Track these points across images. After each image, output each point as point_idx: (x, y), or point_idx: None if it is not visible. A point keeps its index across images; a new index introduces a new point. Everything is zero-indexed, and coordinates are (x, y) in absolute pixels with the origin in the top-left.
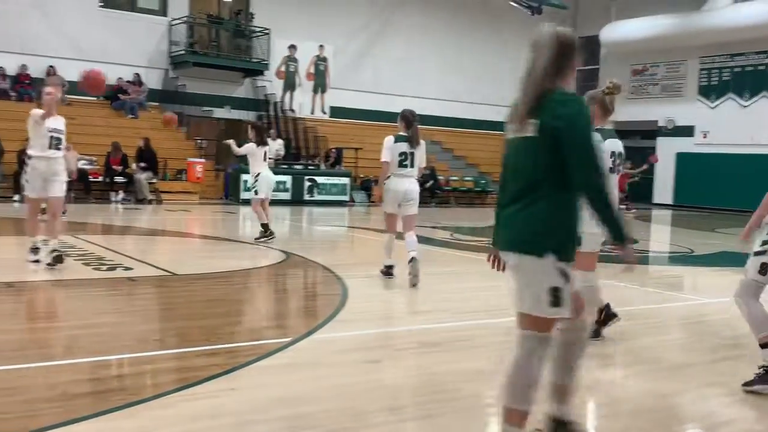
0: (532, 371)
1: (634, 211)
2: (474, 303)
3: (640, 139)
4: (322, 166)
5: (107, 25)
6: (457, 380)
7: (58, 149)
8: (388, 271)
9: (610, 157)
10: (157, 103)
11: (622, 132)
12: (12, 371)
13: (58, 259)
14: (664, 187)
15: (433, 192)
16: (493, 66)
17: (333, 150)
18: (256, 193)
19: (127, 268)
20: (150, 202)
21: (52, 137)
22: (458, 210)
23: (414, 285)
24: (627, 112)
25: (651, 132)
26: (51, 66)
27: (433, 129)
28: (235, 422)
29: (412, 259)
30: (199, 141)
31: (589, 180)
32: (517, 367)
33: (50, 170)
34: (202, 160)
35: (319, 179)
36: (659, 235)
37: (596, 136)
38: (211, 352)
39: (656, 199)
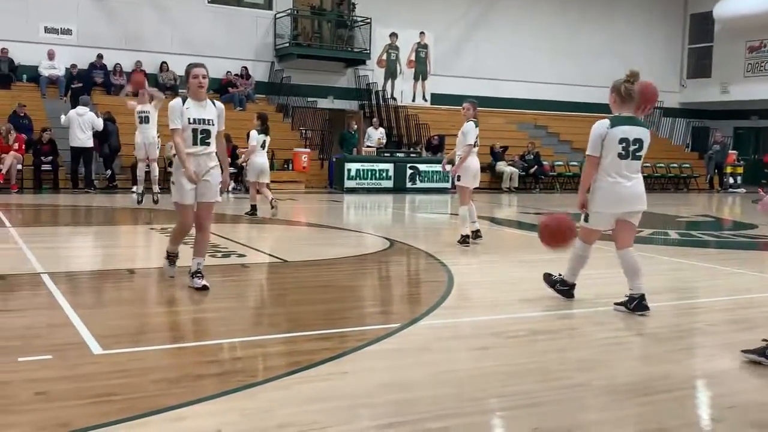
0: None
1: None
2: (581, 291)
3: (759, 119)
4: (424, 154)
5: (215, 20)
6: (566, 368)
7: (207, 144)
8: (465, 240)
9: (620, 143)
10: (263, 95)
11: (738, 111)
12: (139, 353)
13: (203, 288)
14: None
15: (537, 178)
16: (601, 48)
17: (435, 137)
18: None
19: (240, 255)
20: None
21: (195, 130)
22: (564, 196)
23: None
24: (743, 91)
25: None
26: (164, 62)
27: (537, 113)
28: (348, 405)
29: (479, 232)
30: (303, 131)
31: None
32: None
33: (200, 169)
34: (308, 150)
35: (421, 167)
36: None
37: (604, 123)
38: (322, 336)
39: None
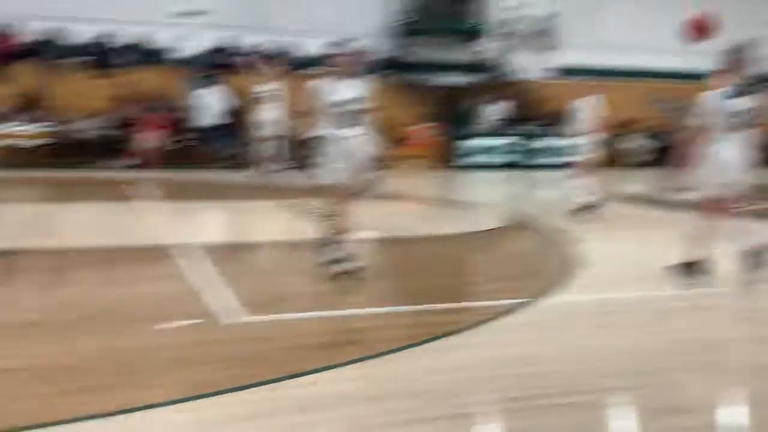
0: None
1: None
2: (714, 269)
3: None
4: (548, 129)
5: None
6: (696, 349)
7: (356, 124)
8: (585, 210)
9: (730, 115)
10: (383, 72)
11: None
12: (269, 322)
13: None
14: None
15: (666, 153)
16: (737, 15)
17: (558, 112)
18: None
19: (365, 231)
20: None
21: (341, 113)
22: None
23: None
24: None
25: None
26: (290, 42)
27: (665, 84)
28: (474, 377)
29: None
30: (423, 107)
31: None
32: None
33: (350, 151)
34: (426, 126)
35: (543, 142)
36: None
37: (718, 94)
38: (449, 309)
39: None
